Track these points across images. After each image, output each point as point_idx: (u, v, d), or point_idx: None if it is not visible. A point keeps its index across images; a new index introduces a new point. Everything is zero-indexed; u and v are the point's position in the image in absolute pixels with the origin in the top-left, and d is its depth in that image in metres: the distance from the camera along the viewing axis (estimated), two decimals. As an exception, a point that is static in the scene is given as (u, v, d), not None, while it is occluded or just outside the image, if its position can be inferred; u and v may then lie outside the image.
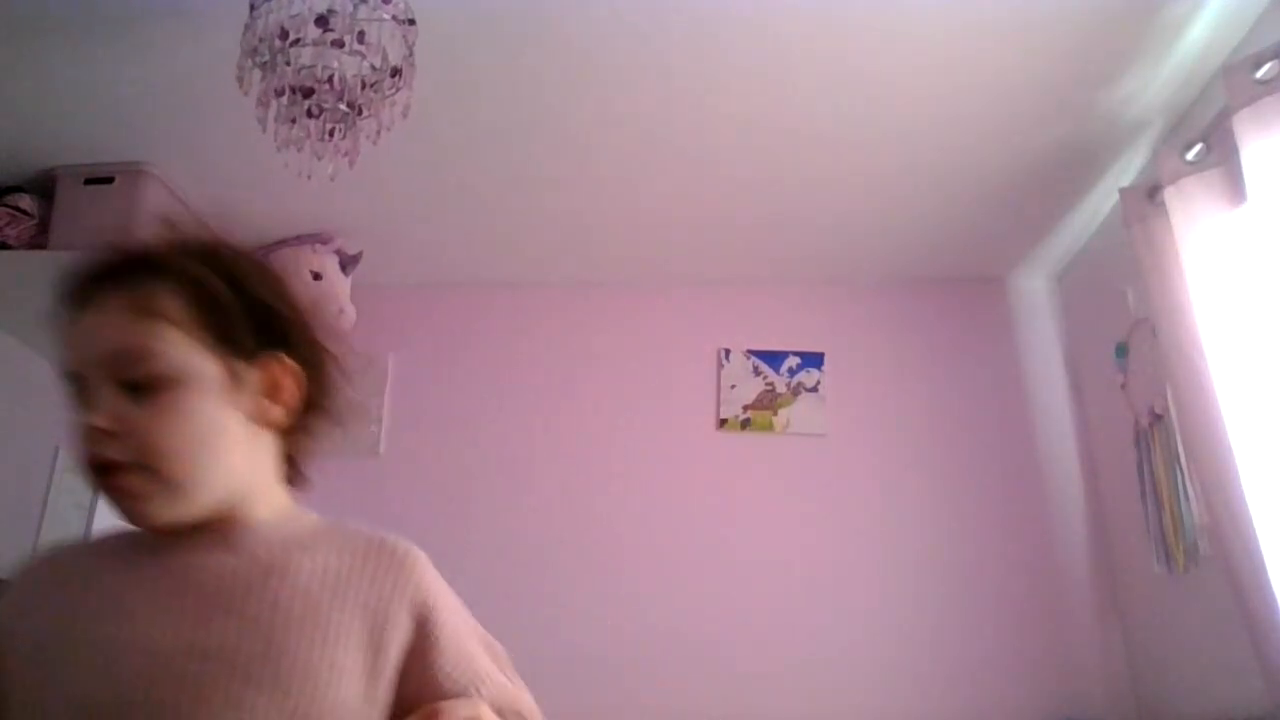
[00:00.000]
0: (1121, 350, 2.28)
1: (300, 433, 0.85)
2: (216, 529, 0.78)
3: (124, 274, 0.77)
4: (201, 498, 0.76)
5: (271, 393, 0.81)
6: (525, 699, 0.84)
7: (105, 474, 0.73)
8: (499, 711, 0.76)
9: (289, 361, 0.82)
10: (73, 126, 2.16)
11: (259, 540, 0.78)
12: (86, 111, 2.09)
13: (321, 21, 1.45)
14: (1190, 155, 1.80)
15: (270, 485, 0.83)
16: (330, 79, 1.48)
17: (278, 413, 0.81)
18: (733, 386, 2.69)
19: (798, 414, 2.64)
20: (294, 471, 0.87)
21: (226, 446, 0.78)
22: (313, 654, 0.72)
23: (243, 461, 0.79)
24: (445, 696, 0.76)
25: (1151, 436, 2.12)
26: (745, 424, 2.65)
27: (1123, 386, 2.28)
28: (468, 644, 0.82)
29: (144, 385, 0.74)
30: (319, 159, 1.52)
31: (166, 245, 0.80)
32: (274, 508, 0.82)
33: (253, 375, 0.80)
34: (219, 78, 1.62)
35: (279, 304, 0.82)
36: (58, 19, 1.80)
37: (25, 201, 2.28)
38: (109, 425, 0.73)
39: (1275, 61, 1.57)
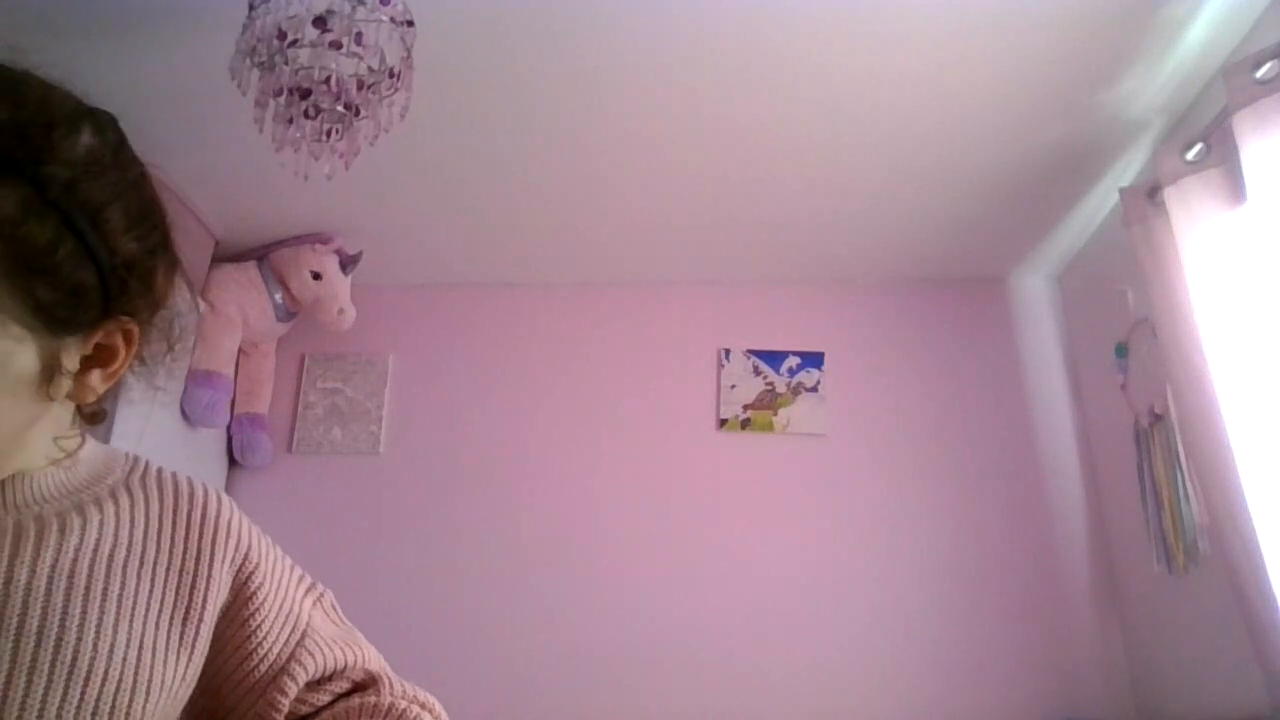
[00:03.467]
0: (1121, 350, 2.28)
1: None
2: None
3: None
4: None
5: (100, 362, 0.61)
6: (376, 659, 0.77)
7: None
8: (407, 697, 0.73)
9: (131, 323, 0.62)
10: (72, 127, 2.16)
11: (31, 492, 0.61)
12: (86, 112, 2.09)
13: (319, 22, 1.45)
14: (1190, 155, 1.80)
15: (59, 429, 0.64)
16: (328, 80, 1.48)
17: (99, 385, 0.62)
18: (733, 386, 2.69)
19: (798, 414, 2.64)
20: (92, 406, 0.67)
21: (19, 440, 0.60)
22: (106, 630, 0.58)
23: (34, 433, 0.61)
24: (270, 661, 0.69)
25: (1151, 436, 2.11)
26: (745, 424, 2.65)
27: (1123, 386, 2.28)
28: (290, 600, 0.73)
29: None
30: (316, 160, 1.52)
31: None
32: (58, 451, 0.64)
33: (82, 348, 0.60)
34: (219, 78, 1.62)
35: (145, 253, 0.62)
36: (57, 20, 1.80)
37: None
38: None
39: (1275, 61, 1.57)
